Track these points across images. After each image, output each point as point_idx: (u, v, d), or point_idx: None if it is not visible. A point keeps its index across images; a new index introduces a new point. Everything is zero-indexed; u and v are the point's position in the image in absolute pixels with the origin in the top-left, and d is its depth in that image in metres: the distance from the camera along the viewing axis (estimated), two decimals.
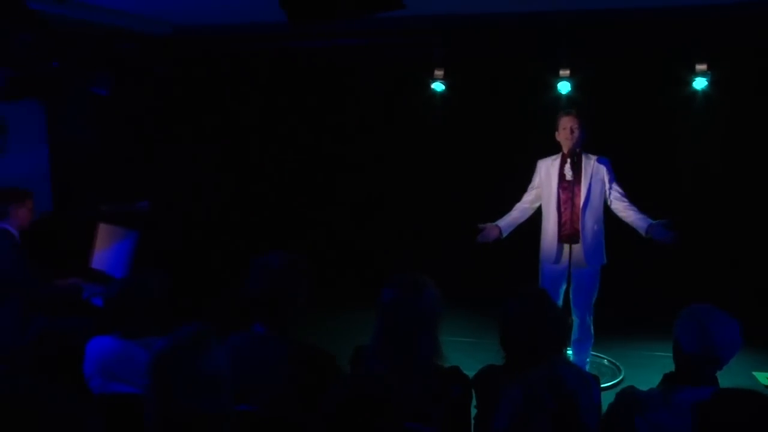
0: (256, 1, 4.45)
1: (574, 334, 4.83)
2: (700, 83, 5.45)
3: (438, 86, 5.95)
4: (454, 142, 7.13)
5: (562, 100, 5.67)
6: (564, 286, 4.77)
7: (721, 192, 6.56)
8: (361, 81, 7.16)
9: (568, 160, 4.66)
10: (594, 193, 4.67)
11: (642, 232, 4.55)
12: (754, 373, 4.88)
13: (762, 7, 4.77)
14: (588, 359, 4.94)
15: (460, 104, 6.47)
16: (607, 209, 4.75)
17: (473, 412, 2.56)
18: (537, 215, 4.90)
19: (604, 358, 5.36)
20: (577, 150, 4.67)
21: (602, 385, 4.43)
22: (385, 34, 5.38)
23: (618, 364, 5.28)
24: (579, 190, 4.67)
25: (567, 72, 5.61)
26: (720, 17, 4.91)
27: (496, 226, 4.76)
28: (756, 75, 5.99)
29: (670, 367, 2.49)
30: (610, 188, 4.71)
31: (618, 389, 2.54)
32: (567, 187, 4.68)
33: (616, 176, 4.75)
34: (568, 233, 4.68)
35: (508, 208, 4.91)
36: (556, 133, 4.73)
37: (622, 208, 4.67)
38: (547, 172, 4.78)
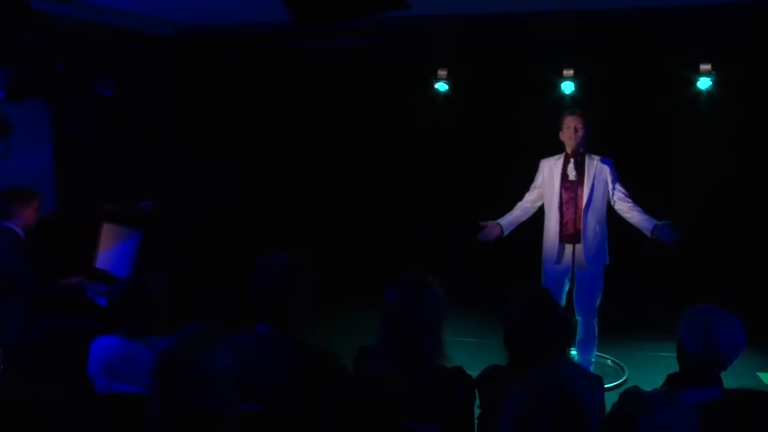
0: (259, 2, 4.45)
1: (578, 335, 4.83)
2: (704, 83, 5.45)
3: (441, 86, 5.95)
4: (457, 142, 7.13)
5: (565, 100, 5.67)
6: (567, 287, 4.77)
7: (725, 192, 6.54)
8: (365, 81, 7.16)
9: (572, 160, 4.65)
10: (597, 193, 4.67)
11: (647, 233, 4.54)
12: (759, 374, 4.87)
13: (766, 7, 4.76)
14: (593, 359, 4.93)
15: (464, 104, 6.48)
16: (609, 210, 4.75)
17: (476, 412, 2.56)
18: (540, 214, 4.90)
19: (608, 359, 5.35)
20: (581, 150, 4.65)
21: (606, 386, 4.43)
22: (388, 34, 5.38)
23: (622, 364, 5.27)
24: (582, 190, 4.66)
25: (570, 72, 5.61)
26: (724, 17, 4.90)
27: (498, 224, 4.76)
28: (760, 75, 5.97)
29: (674, 367, 2.49)
30: (614, 189, 4.70)
31: (622, 389, 2.53)
32: (570, 187, 4.67)
33: (620, 177, 4.74)
34: (569, 233, 4.68)
35: (511, 207, 4.91)
36: (560, 132, 4.73)
37: (626, 208, 4.67)
38: (550, 171, 4.78)
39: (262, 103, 7.02)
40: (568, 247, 4.69)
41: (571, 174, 4.64)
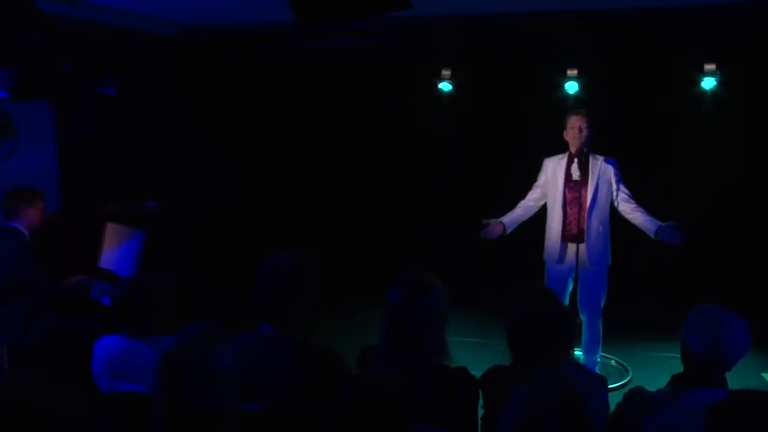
0: (263, 1, 4.46)
1: (583, 335, 4.83)
2: (708, 83, 5.43)
3: (445, 86, 5.94)
4: (460, 142, 7.13)
5: (569, 100, 5.65)
6: (570, 287, 4.76)
7: (730, 192, 6.52)
8: (368, 81, 7.17)
9: (576, 160, 4.65)
10: (601, 193, 4.66)
11: (651, 234, 4.54)
12: (763, 375, 4.86)
13: None
14: (598, 360, 4.93)
15: (467, 104, 6.47)
16: (612, 210, 4.74)
17: (480, 412, 2.56)
18: (542, 214, 4.90)
19: (612, 359, 5.34)
20: (585, 150, 4.65)
21: (610, 386, 4.42)
22: (392, 34, 5.39)
23: (626, 364, 5.26)
24: (585, 190, 4.65)
25: (574, 72, 5.60)
26: (729, 16, 4.89)
27: (500, 222, 4.76)
28: (765, 74, 5.95)
29: (678, 368, 2.48)
30: (617, 190, 4.70)
31: (626, 390, 2.53)
32: (573, 187, 4.66)
33: (623, 177, 4.74)
34: (573, 233, 4.67)
35: (514, 206, 4.91)
36: (564, 132, 4.72)
37: (629, 210, 4.66)
38: (554, 171, 4.77)
39: (266, 103, 7.03)
40: (571, 247, 4.68)
41: (575, 174, 4.64)
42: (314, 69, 6.92)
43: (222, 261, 6.44)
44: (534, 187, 4.88)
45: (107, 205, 5.52)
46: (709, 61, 5.35)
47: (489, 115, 6.91)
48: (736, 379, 2.43)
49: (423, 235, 7.33)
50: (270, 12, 4.56)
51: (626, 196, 4.69)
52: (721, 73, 5.37)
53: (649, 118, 6.54)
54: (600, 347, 4.92)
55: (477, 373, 2.57)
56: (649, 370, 5.06)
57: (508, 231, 4.78)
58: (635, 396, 2.42)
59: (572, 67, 5.59)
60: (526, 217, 4.85)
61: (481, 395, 2.54)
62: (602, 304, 4.80)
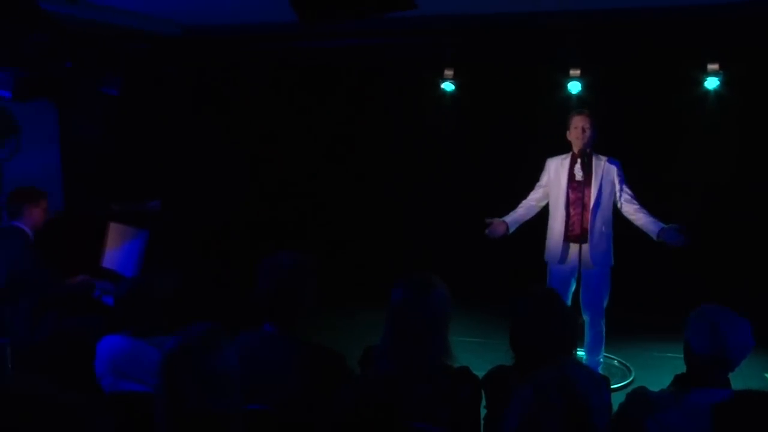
0: (266, 1, 4.46)
1: (586, 335, 4.82)
2: (712, 83, 5.42)
3: (448, 86, 5.95)
4: (463, 142, 7.13)
5: (572, 100, 5.65)
6: (573, 287, 4.76)
7: (733, 192, 6.51)
8: (371, 81, 7.17)
9: (579, 160, 4.65)
10: (604, 194, 4.66)
11: (653, 235, 4.54)
12: (766, 375, 4.85)
13: None
14: (601, 360, 4.92)
15: (470, 104, 6.47)
16: (615, 211, 4.74)
17: (483, 412, 2.56)
18: (544, 214, 4.89)
19: (615, 359, 5.34)
20: (588, 150, 4.65)
21: (612, 386, 4.42)
22: (395, 34, 5.38)
23: (628, 365, 5.26)
24: (589, 190, 4.65)
25: (577, 72, 5.59)
26: (732, 16, 4.88)
27: (504, 221, 4.76)
28: None
29: (681, 368, 2.48)
30: (621, 190, 4.70)
31: (628, 390, 2.52)
32: (576, 187, 4.66)
33: (626, 178, 4.73)
34: (576, 233, 4.67)
35: (516, 206, 4.90)
36: (567, 132, 4.72)
37: (632, 211, 4.66)
38: (557, 171, 4.77)
39: (268, 103, 7.03)
40: (574, 247, 4.68)
41: (578, 174, 4.64)
42: (316, 69, 6.92)
43: (224, 261, 6.44)
44: (536, 187, 4.88)
45: (110, 204, 5.52)
46: (713, 61, 5.34)
47: (491, 115, 6.90)
48: (739, 379, 2.43)
49: (425, 235, 7.32)
50: (272, 12, 4.56)
51: (630, 197, 4.69)
52: (725, 73, 5.36)
53: (651, 118, 6.53)
54: (603, 347, 4.91)
55: (479, 374, 2.57)
56: (652, 370, 5.05)
57: (511, 230, 4.78)
58: (638, 396, 2.41)
59: (575, 67, 5.59)
60: (527, 217, 4.85)
61: (483, 395, 2.54)
62: (605, 304, 4.80)
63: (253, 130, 7.06)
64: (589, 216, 4.64)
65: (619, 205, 4.71)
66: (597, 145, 4.73)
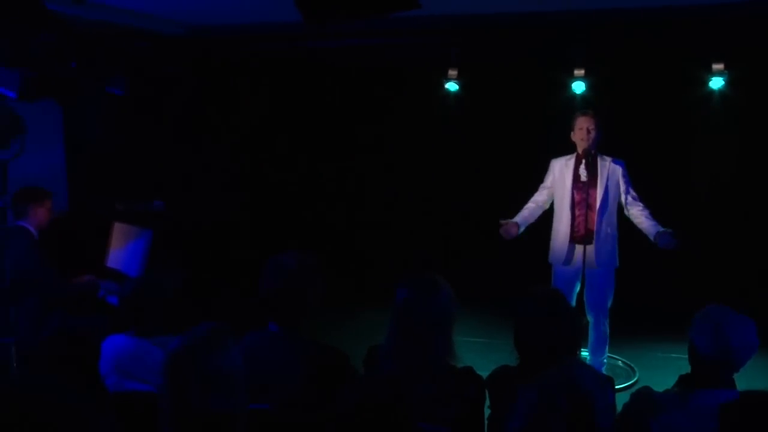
0: (270, 1, 4.46)
1: (590, 336, 4.82)
2: (716, 83, 5.41)
3: (452, 86, 5.94)
4: (467, 142, 7.12)
5: (576, 100, 5.64)
6: (578, 288, 4.75)
7: (738, 192, 6.50)
8: (375, 81, 7.16)
9: (583, 161, 4.64)
10: (610, 195, 4.67)
11: (651, 237, 4.57)
12: None
13: None
14: (605, 360, 4.92)
15: (474, 104, 6.46)
16: (620, 212, 4.74)
17: (487, 412, 2.56)
18: (548, 215, 4.89)
19: (619, 360, 5.33)
20: (592, 151, 4.64)
21: (617, 387, 4.41)
22: (399, 34, 5.38)
23: (633, 365, 5.25)
24: (594, 191, 4.65)
25: (581, 72, 5.58)
26: (737, 15, 4.87)
27: (516, 222, 4.75)
28: None
29: (686, 368, 2.47)
30: (626, 191, 4.70)
31: (632, 391, 2.52)
32: (581, 188, 4.65)
33: (631, 179, 4.73)
34: (581, 234, 4.66)
35: (521, 207, 4.90)
36: (572, 133, 4.71)
37: (637, 212, 4.67)
38: (561, 172, 4.77)
39: (273, 103, 7.04)
40: (579, 248, 4.68)
41: (583, 175, 4.63)
42: (320, 69, 6.92)
43: (228, 260, 6.45)
44: (540, 189, 4.87)
45: (114, 204, 5.53)
46: (717, 61, 5.33)
47: (495, 115, 6.90)
48: (744, 380, 2.42)
49: (429, 235, 7.32)
50: (277, 12, 4.57)
51: (634, 198, 4.70)
52: (729, 73, 5.34)
53: (656, 118, 6.52)
54: (607, 348, 4.91)
55: (484, 374, 2.57)
56: (656, 371, 5.04)
57: (521, 231, 4.79)
58: (642, 396, 2.41)
59: (579, 66, 5.58)
60: (533, 219, 4.85)
61: (487, 396, 2.54)
62: (609, 304, 4.80)
63: (257, 129, 7.06)
64: (594, 217, 4.64)
65: (624, 206, 4.71)
66: (601, 145, 4.73)
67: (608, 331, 4.84)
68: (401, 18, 3.35)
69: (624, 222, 4.77)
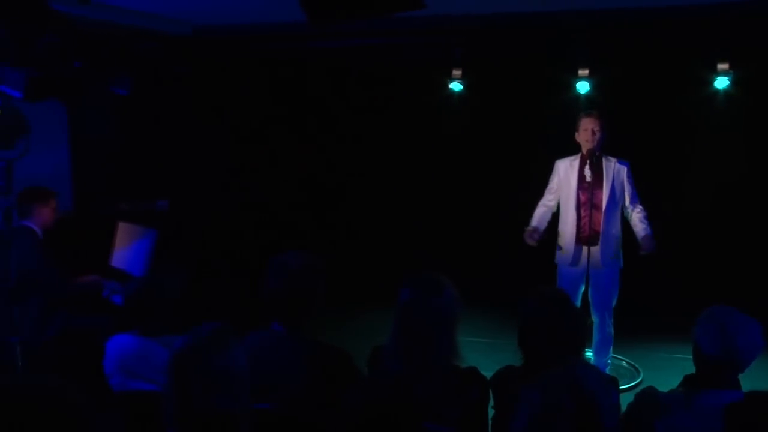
0: (276, 2, 4.47)
1: (594, 336, 4.81)
2: (721, 82, 5.39)
3: (456, 86, 5.94)
4: (471, 142, 7.12)
5: (580, 100, 5.64)
6: (582, 288, 4.75)
7: (742, 192, 6.48)
8: (379, 81, 7.17)
9: (588, 162, 4.64)
10: (615, 195, 4.66)
11: (638, 238, 4.65)
12: None
13: None
14: (609, 361, 4.91)
15: (478, 104, 6.46)
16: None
17: (491, 413, 2.56)
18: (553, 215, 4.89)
19: (623, 360, 5.32)
20: (597, 152, 4.64)
21: (621, 387, 4.40)
22: (403, 34, 5.38)
23: (637, 365, 5.24)
24: (599, 191, 4.65)
25: (586, 72, 5.58)
26: (742, 15, 4.85)
27: (537, 227, 4.76)
28: None
29: (690, 369, 2.47)
30: (629, 192, 4.70)
31: (637, 391, 2.51)
32: (587, 189, 4.65)
33: (635, 179, 4.73)
34: (586, 235, 4.66)
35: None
36: (576, 134, 4.71)
37: (633, 213, 4.71)
38: (566, 173, 4.76)
39: (277, 102, 7.04)
40: (584, 249, 4.67)
41: (588, 175, 4.62)
42: (325, 69, 6.93)
43: (232, 260, 6.45)
44: (547, 191, 4.86)
45: (119, 204, 5.54)
46: (722, 61, 5.31)
47: (499, 115, 6.89)
48: (748, 380, 2.41)
49: (433, 234, 7.32)
50: (282, 12, 4.57)
51: (634, 199, 4.72)
52: (734, 73, 5.33)
53: (660, 117, 6.50)
54: (611, 348, 4.90)
55: (487, 374, 2.57)
56: (660, 371, 5.03)
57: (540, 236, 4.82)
58: (647, 397, 2.41)
59: (583, 66, 5.57)
60: (546, 223, 4.87)
61: (491, 396, 2.54)
62: (614, 304, 4.80)
63: (262, 129, 7.07)
64: (601, 217, 4.64)
65: (626, 206, 4.72)
66: (605, 146, 4.72)
67: (613, 331, 4.84)
68: (406, 18, 3.35)
69: (627, 222, 4.78)
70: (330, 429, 2.37)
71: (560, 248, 4.79)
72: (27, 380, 1.38)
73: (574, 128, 4.73)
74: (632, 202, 4.72)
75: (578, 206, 4.69)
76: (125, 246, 4.86)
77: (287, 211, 7.31)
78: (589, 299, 4.78)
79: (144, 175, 5.83)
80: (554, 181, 4.84)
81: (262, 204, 7.15)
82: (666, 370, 4.96)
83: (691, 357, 2.45)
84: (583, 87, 5.59)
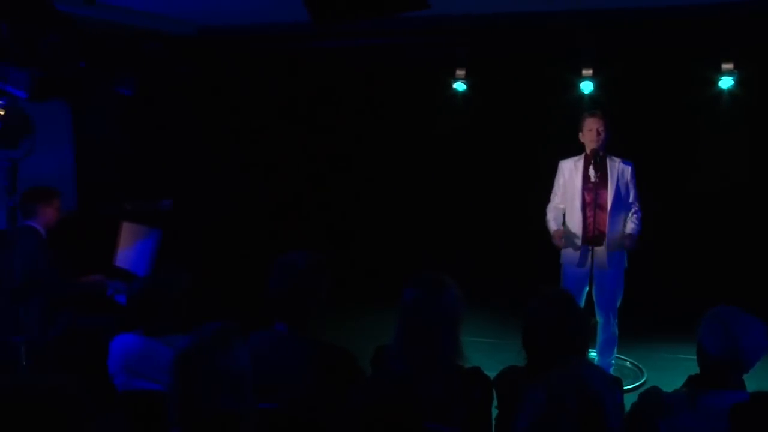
0: (279, 2, 4.47)
1: (598, 336, 4.81)
2: (726, 82, 5.38)
3: (460, 86, 5.94)
4: (475, 142, 7.12)
5: (584, 100, 5.63)
6: (587, 288, 4.74)
7: (747, 193, 6.46)
8: (383, 81, 7.17)
9: (592, 162, 4.63)
10: (620, 195, 4.66)
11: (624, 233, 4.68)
12: None
13: None
14: (613, 361, 4.91)
15: (482, 104, 6.46)
16: None
17: (494, 413, 2.55)
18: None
19: (627, 360, 5.31)
20: (601, 152, 4.63)
21: (625, 388, 4.40)
22: (407, 34, 5.38)
23: (641, 366, 5.23)
24: (604, 192, 4.65)
25: (590, 72, 5.57)
26: (746, 14, 4.84)
27: (560, 229, 4.76)
28: None
29: (694, 369, 2.46)
30: (633, 192, 4.70)
31: (640, 392, 2.51)
32: (592, 189, 4.64)
33: (638, 179, 4.73)
34: (591, 235, 4.65)
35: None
36: (580, 134, 4.70)
37: (629, 211, 4.68)
38: (571, 173, 4.76)
39: (280, 102, 7.05)
40: (589, 249, 4.67)
41: (593, 175, 4.62)
42: (328, 69, 6.93)
43: (237, 260, 6.46)
44: (553, 196, 4.85)
45: (123, 204, 5.55)
46: (727, 61, 5.30)
47: (503, 115, 6.89)
48: (753, 381, 2.41)
49: (437, 234, 7.32)
50: (286, 12, 4.57)
51: (635, 200, 4.72)
52: (739, 73, 5.32)
53: (665, 117, 6.49)
54: (615, 349, 4.90)
55: (491, 374, 2.57)
56: (664, 371, 5.03)
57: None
58: (651, 397, 2.40)
59: (587, 66, 5.56)
60: (561, 221, 4.85)
61: (495, 396, 2.54)
62: (619, 304, 4.80)
63: (266, 129, 7.08)
64: (606, 218, 4.63)
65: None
66: (609, 146, 4.72)
67: (617, 331, 4.84)
68: (410, 18, 3.35)
69: None
70: (333, 429, 2.37)
71: (565, 248, 4.79)
72: (31, 380, 1.38)
73: (578, 128, 4.72)
74: (632, 203, 4.72)
75: (583, 207, 4.68)
76: (129, 246, 4.87)
77: (290, 211, 7.31)
78: (594, 300, 4.77)
79: (148, 175, 5.83)
80: (560, 182, 4.83)
81: (265, 203, 7.16)
82: (670, 370, 4.95)
83: (695, 357, 2.44)
84: (586, 87, 5.59)
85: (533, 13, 5.12)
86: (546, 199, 4.91)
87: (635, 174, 4.72)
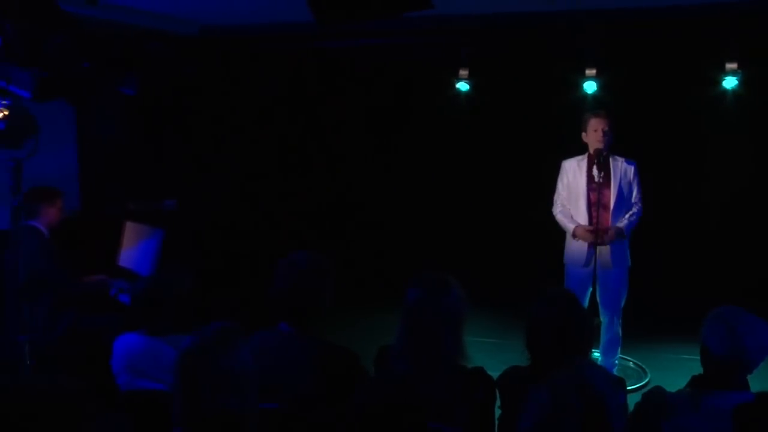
0: (283, 2, 4.47)
1: (602, 337, 4.80)
2: (730, 82, 5.37)
3: (463, 86, 5.93)
4: (478, 142, 7.11)
5: (588, 100, 5.62)
6: (590, 288, 4.74)
7: (751, 193, 6.45)
8: (386, 81, 7.17)
9: (595, 161, 4.62)
10: (623, 195, 4.65)
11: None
12: None
13: None
14: (616, 362, 4.90)
15: (485, 104, 6.45)
16: None
17: (497, 413, 2.55)
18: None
19: (630, 361, 5.30)
20: (604, 152, 4.62)
21: (628, 388, 4.39)
22: (410, 34, 5.38)
23: (644, 366, 5.22)
24: (608, 191, 4.64)
25: (593, 71, 5.56)
26: (751, 14, 4.83)
27: (579, 225, 4.71)
28: None
29: (697, 370, 2.46)
30: (636, 192, 4.69)
31: (644, 392, 2.51)
32: (596, 188, 4.63)
33: (641, 179, 4.73)
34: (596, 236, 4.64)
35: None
36: (584, 134, 4.70)
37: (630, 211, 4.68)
38: (574, 173, 4.75)
39: (284, 102, 7.05)
40: (593, 249, 4.66)
41: (597, 175, 4.61)
42: (331, 69, 6.93)
43: (240, 260, 6.47)
44: (557, 198, 4.84)
45: (126, 204, 5.56)
46: (731, 60, 5.29)
47: (506, 115, 6.88)
48: (757, 381, 2.40)
49: (440, 234, 7.32)
50: (289, 12, 4.58)
51: (635, 200, 4.71)
52: (743, 73, 5.30)
53: (668, 117, 6.48)
54: (619, 349, 4.89)
55: (494, 374, 2.57)
56: (667, 372, 5.01)
57: None
58: (654, 397, 2.40)
59: (590, 66, 5.56)
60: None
61: (498, 396, 2.53)
62: (622, 303, 4.79)
63: (269, 128, 7.08)
64: (609, 217, 4.63)
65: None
66: (613, 146, 4.71)
67: (621, 332, 4.83)
68: (413, 18, 3.35)
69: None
70: (337, 428, 2.37)
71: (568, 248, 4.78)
72: (34, 379, 1.39)
73: (581, 128, 4.72)
74: (635, 202, 4.71)
75: (588, 207, 4.67)
76: (132, 245, 4.88)
77: (294, 211, 7.32)
78: (598, 300, 4.76)
79: (151, 175, 5.84)
80: (564, 182, 4.82)
81: (269, 203, 7.16)
82: (673, 370, 4.94)
83: (698, 358, 2.44)
84: (590, 87, 5.58)
85: (536, 13, 5.11)
86: (550, 199, 4.90)
87: (638, 173, 4.71)
